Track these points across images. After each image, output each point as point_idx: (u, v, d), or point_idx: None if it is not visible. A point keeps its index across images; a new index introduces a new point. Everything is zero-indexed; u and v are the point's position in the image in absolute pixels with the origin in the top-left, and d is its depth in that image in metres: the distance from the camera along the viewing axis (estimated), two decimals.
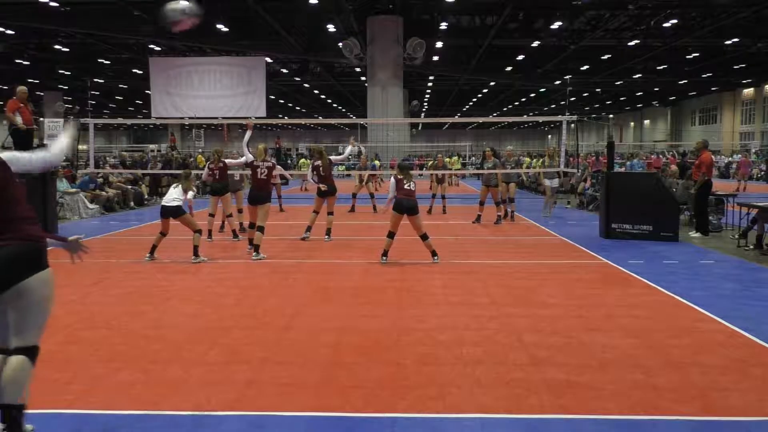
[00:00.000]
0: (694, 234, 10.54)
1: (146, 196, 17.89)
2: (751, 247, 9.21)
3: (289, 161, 34.15)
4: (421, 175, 20.92)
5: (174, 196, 8.21)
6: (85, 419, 3.47)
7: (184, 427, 3.39)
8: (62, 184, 13.77)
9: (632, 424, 3.40)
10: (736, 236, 9.81)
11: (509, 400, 3.70)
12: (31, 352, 2.91)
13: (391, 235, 8.13)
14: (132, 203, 16.54)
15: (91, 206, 14.35)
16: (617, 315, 5.58)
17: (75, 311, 5.73)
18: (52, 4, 22.62)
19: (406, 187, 8.05)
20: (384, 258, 8.12)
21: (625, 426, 3.39)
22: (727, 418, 3.48)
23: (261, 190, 8.63)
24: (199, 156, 26.58)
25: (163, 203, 8.35)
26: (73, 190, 14.09)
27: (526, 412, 3.53)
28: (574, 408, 3.58)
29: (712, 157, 11.27)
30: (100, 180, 15.84)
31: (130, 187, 17.00)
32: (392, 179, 8.27)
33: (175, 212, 8.13)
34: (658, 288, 6.64)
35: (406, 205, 7.98)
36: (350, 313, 5.67)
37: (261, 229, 8.43)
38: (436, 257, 8.15)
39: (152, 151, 36.90)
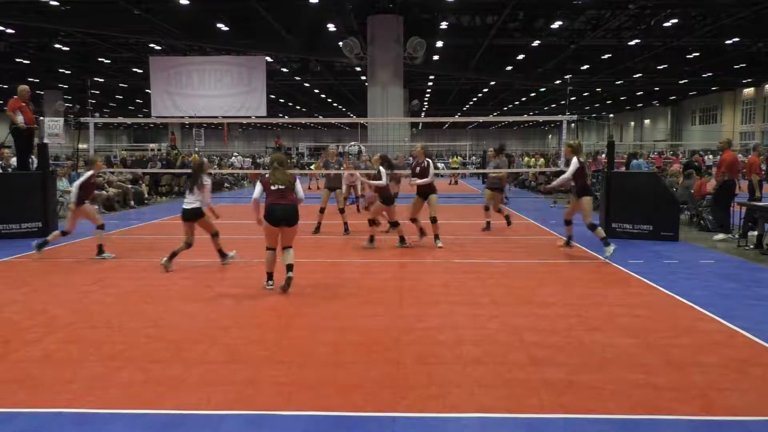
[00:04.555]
0: (717, 237, 10.06)
1: (146, 196, 17.90)
2: (751, 246, 9.21)
3: (289, 160, 34.18)
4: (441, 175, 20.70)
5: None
6: (85, 418, 3.47)
7: (184, 426, 3.39)
8: (62, 183, 13.77)
9: (632, 424, 3.40)
10: (736, 236, 9.81)
11: (509, 400, 3.69)
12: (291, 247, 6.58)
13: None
14: (132, 202, 16.54)
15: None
16: (617, 314, 5.58)
17: (75, 310, 5.74)
18: (53, 3, 22.61)
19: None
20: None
21: (625, 426, 3.38)
22: (727, 417, 3.49)
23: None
24: (195, 155, 26.59)
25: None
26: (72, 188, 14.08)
27: (526, 412, 3.53)
28: (574, 408, 3.58)
29: (736, 156, 11.17)
30: (100, 179, 15.82)
31: (130, 186, 17.00)
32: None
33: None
34: (658, 287, 6.64)
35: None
36: (350, 313, 5.67)
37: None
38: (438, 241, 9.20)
39: (159, 150, 36.90)
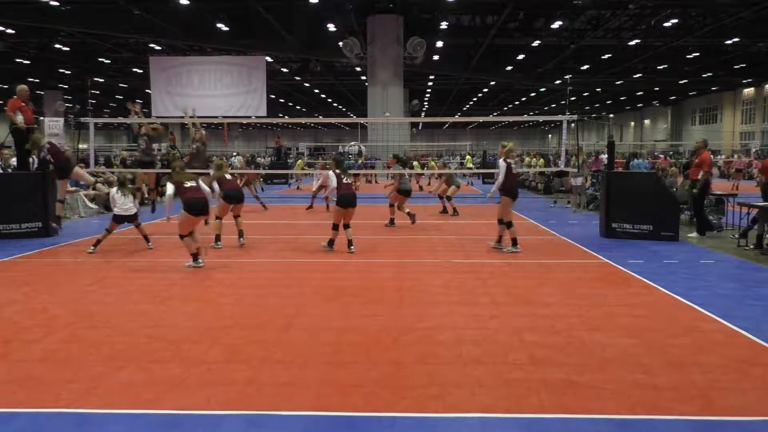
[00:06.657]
0: (692, 234, 10.48)
1: (146, 195, 17.85)
2: (751, 247, 9.21)
3: (289, 161, 34.20)
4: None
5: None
6: (85, 418, 3.47)
7: (184, 426, 3.39)
8: None
9: (632, 424, 3.40)
10: (736, 236, 9.81)
11: (509, 400, 3.69)
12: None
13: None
14: None
15: (91, 205, 14.35)
16: (617, 314, 5.58)
17: (75, 310, 5.73)
18: (53, 3, 22.62)
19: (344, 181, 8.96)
20: None
21: (625, 426, 3.38)
22: (727, 417, 3.48)
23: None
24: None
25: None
26: (73, 188, 14.09)
27: (526, 412, 3.53)
28: (574, 408, 3.58)
29: (711, 156, 11.29)
30: (99, 179, 15.79)
31: (130, 185, 16.96)
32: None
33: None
34: (658, 287, 6.64)
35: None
36: (350, 313, 5.67)
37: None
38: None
39: (159, 150, 36.84)
